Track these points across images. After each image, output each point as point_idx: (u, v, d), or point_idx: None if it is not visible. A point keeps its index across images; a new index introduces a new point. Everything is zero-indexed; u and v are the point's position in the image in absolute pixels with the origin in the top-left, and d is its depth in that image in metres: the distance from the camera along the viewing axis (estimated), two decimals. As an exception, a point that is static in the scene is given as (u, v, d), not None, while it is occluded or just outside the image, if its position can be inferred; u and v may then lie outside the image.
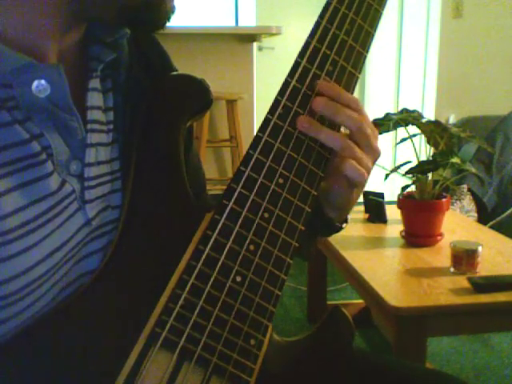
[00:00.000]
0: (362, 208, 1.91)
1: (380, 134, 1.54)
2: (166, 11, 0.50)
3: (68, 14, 0.47)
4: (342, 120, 0.55)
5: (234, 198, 0.52)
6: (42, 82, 0.45)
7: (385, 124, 1.52)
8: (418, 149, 1.60)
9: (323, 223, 0.63)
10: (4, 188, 0.43)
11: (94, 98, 0.52)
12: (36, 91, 0.45)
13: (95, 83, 0.53)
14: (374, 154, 0.58)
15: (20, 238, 0.44)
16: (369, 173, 0.57)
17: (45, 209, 0.46)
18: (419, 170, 1.50)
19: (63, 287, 0.49)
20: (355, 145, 0.55)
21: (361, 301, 1.88)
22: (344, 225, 0.66)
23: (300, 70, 0.56)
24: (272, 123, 0.54)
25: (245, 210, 0.52)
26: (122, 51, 0.56)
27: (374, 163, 0.58)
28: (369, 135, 0.56)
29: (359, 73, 0.59)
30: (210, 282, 0.50)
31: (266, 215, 0.53)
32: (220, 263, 0.50)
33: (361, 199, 1.90)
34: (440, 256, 1.46)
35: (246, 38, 3.22)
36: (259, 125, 0.55)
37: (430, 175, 1.54)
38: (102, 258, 0.51)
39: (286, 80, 0.56)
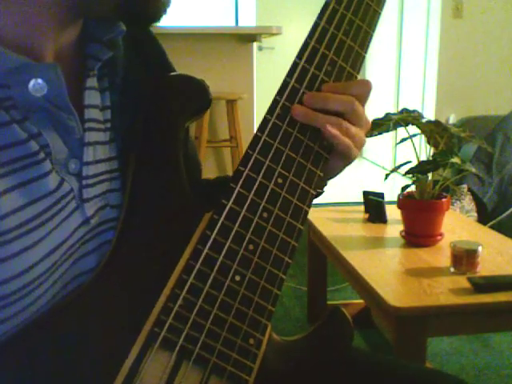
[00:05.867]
0: (361, 208, 1.90)
1: (380, 133, 1.54)
2: (162, 3, 0.50)
3: (64, 11, 0.47)
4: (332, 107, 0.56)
5: (233, 197, 0.52)
6: (39, 81, 0.44)
7: (385, 124, 1.52)
8: (418, 149, 1.60)
9: None
10: (2, 188, 0.43)
11: (92, 97, 0.52)
12: (33, 90, 0.44)
13: (92, 82, 0.53)
14: (367, 127, 0.60)
15: (18, 238, 0.44)
16: (362, 145, 0.60)
17: (43, 208, 0.46)
18: (419, 170, 1.50)
19: (62, 286, 0.49)
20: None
21: (361, 301, 1.88)
22: (324, 188, 0.68)
23: (298, 70, 0.56)
24: (271, 123, 0.54)
25: (244, 209, 0.52)
26: (118, 49, 0.56)
27: (365, 134, 0.61)
28: (361, 114, 0.57)
29: (358, 73, 0.59)
30: (209, 282, 0.50)
31: (265, 215, 0.53)
32: (219, 263, 0.50)
33: (361, 199, 1.90)
34: (440, 256, 1.46)
35: (246, 38, 3.22)
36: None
37: (429, 175, 1.53)
38: (100, 257, 0.51)
39: (284, 80, 0.56)
